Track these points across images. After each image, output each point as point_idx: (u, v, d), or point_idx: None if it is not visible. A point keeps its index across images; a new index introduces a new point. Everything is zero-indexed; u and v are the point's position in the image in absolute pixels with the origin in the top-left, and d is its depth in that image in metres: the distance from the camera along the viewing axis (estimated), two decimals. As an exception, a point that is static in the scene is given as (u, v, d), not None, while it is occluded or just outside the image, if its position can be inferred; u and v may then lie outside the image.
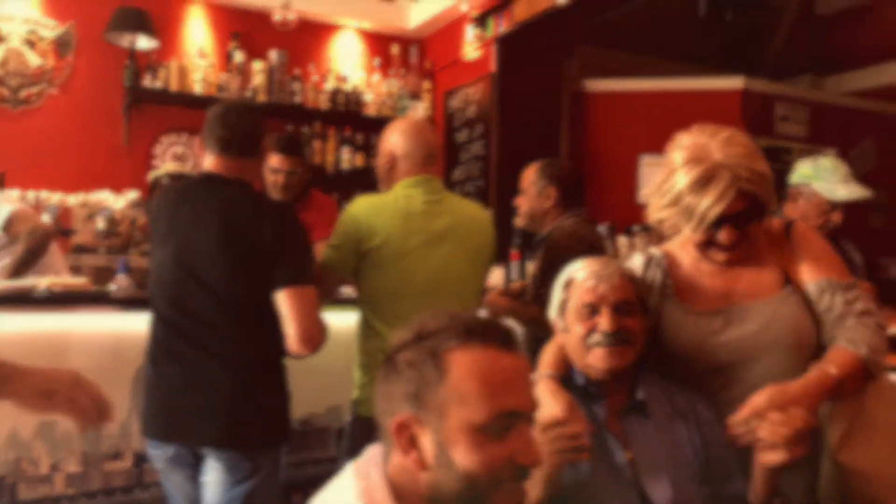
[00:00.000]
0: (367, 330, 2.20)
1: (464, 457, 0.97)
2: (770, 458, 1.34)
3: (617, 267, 1.55)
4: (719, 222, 1.49)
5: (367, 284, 2.18)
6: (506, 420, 0.98)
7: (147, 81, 4.56)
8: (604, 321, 1.48)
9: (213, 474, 1.92)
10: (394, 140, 2.26)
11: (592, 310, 1.50)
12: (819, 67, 6.02)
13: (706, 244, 1.56)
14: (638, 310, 1.53)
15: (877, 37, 5.59)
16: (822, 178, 2.62)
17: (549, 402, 1.42)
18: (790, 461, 1.33)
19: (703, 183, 1.46)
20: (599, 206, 4.33)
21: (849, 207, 2.62)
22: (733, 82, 4.67)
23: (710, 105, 4.40)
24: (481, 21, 4.75)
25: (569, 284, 1.55)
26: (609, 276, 1.51)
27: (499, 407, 0.98)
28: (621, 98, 4.82)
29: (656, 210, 1.57)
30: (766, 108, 4.75)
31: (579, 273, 1.54)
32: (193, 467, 1.96)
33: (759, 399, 1.38)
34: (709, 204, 1.46)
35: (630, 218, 4.28)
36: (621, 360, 1.48)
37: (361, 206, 2.19)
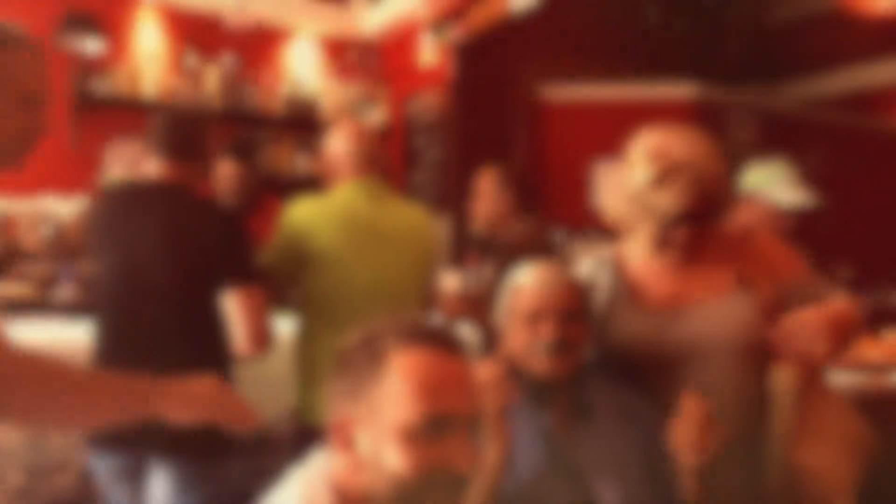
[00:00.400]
0: (307, 334, 2.16)
1: (393, 458, 0.95)
2: (685, 460, 1.38)
3: (563, 273, 1.55)
4: (676, 220, 1.50)
5: (306, 288, 2.15)
6: (438, 423, 0.96)
7: (96, 86, 4.46)
8: (547, 329, 1.47)
9: (160, 486, 1.87)
10: (334, 143, 2.24)
11: (536, 317, 1.49)
12: (770, 75, 6.14)
13: (662, 242, 1.56)
14: (582, 317, 1.52)
15: (827, 45, 5.73)
16: (773, 184, 2.67)
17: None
18: (703, 463, 1.37)
19: (662, 180, 1.47)
20: (555, 210, 4.35)
21: (798, 212, 2.67)
22: (685, 88, 4.74)
23: (663, 110, 4.46)
24: (439, 27, 4.75)
25: (515, 289, 1.54)
26: (555, 283, 1.51)
27: (431, 409, 0.96)
28: (577, 103, 4.86)
29: (615, 205, 1.58)
30: (717, 113, 4.82)
31: (525, 279, 1.54)
32: (139, 480, 1.91)
33: (809, 315, 1.44)
34: (667, 201, 1.47)
35: (585, 223, 4.31)
36: (563, 368, 1.47)
37: (301, 208, 2.16)
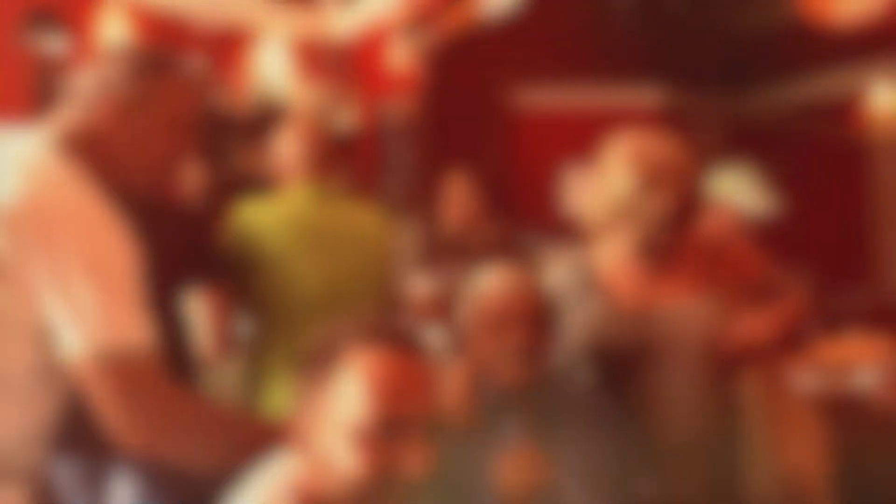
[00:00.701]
0: (257, 337, 2.12)
1: (347, 458, 0.95)
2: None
3: (530, 278, 1.53)
4: (663, 225, 1.51)
5: (256, 291, 2.10)
6: (393, 423, 0.95)
7: (59, 85, 4.39)
8: (514, 335, 1.44)
9: (124, 490, 1.84)
10: (284, 143, 2.20)
11: (504, 322, 1.45)
12: (737, 82, 6.22)
13: (645, 247, 1.57)
14: (549, 322, 1.51)
15: (794, 54, 5.82)
16: (738, 190, 2.72)
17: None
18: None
19: (645, 185, 1.48)
20: (525, 214, 4.38)
21: (763, 217, 2.72)
22: (652, 94, 4.80)
23: (631, 115, 4.51)
24: (411, 32, 4.76)
25: (481, 294, 1.51)
26: (522, 287, 1.49)
27: (388, 410, 0.95)
28: (547, 108, 4.89)
29: (593, 210, 1.59)
30: (683, 119, 4.89)
31: (492, 283, 1.51)
32: (101, 484, 1.87)
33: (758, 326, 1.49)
34: (655, 207, 1.48)
35: (555, 227, 4.34)
36: (530, 375, 1.46)
37: (248, 210, 2.12)
